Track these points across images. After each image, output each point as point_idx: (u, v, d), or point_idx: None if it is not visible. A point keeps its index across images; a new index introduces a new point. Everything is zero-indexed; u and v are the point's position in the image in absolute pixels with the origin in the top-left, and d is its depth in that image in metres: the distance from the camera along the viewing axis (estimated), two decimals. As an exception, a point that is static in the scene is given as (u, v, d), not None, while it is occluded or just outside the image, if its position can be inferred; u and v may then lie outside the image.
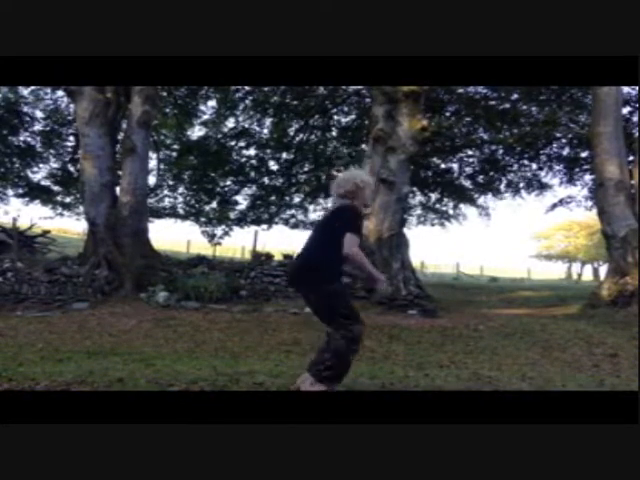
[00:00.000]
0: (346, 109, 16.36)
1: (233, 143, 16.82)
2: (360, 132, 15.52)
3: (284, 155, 17.46)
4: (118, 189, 10.20)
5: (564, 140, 14.99)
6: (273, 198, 18.15)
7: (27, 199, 16.90)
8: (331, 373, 3.08)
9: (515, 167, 16.80)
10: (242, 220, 17.80)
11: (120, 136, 10.89)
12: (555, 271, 43.72)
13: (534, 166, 16.58)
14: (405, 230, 10.69)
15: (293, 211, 19.16)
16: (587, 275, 40.78)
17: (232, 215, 17.87)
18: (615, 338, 6.41)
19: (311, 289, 3.23)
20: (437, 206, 19.33)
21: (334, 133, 17.30)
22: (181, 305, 8.22)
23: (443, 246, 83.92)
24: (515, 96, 13.71)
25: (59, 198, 17.33)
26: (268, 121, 16.73)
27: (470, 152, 16.44)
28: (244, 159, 17.34)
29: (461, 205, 19.13)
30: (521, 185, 17.23)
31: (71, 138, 15.77)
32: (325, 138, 17.34)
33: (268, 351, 5.47)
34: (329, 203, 19.26)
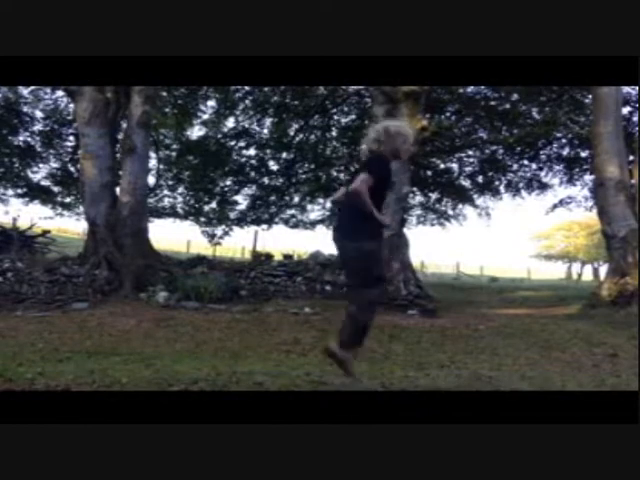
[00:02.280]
0: (346, 109, 16.35)
1: (233, 143, 16.81)
2: (360, 132, 15.51)
3: (284, 155, 17.44)
4: (118, 189, 10.20)
5: (564, 140, 14.99)
6: (273, 198, 18.13)
7: (27, 199, 16.90)
8: (348, 338, 3.16)
9: (515, 167, 16.80)
10: (242, 220, 17.78)
11: (120, 136, 10.88)
12: (555, 271, 43.77)
13: (534, 166, 16.58)
14: (405, 230, 10.69)
15: (293, 211, 19.15)
16: (587, 275, 40.78)
17: (232, 215, 17.86)
18: (615, 338, 6.41)
19: (338, 246, 3.26)
20: (437, 206, 19.32)
21: (334, 133, 17.29)
22: (181, 305, 8.22)
23: (443, 246, 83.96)
24: (515, 96, 13.71)
25: (59, 198, 17.30)
26: (268, 121, 16.72)
27: (470, 152, 16.44)
28: (244, 159, 17.33)
29: (461, 205, 19.13)
30: (521, 185, 17.22)
31: (71, 138, 15.76)
32: (325, 138, 17.32)
33: (268, 351, 5.47)
34: (328, 203, 19.28)
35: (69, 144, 16.16)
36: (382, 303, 3.34)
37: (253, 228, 17.51)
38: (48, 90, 14.86)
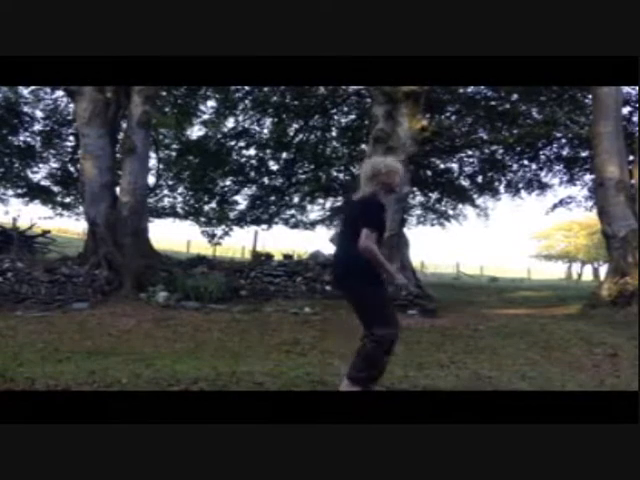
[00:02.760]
0: (346, 109, 16.34)
1: (233, 143, 16.81)
2: (360, 132, 15.52)
3: (284, 155, 17.44)
4: (118, 189, 10.20)
5: (564, 140, 14.98)
6: (273, 198, 18.14)
7: (27, 199, 16.89)
8: (363, 375, 3.12)
9: (515, 167, 16.80)
10: (242, 220, 17.78)
11: (120, 136, 10.88)
12: (555, 271, 43.76)
13: (534, 166, 16.58)
14: (405, 230, 10.69)
15: (293, 211, 19.15)
16: (587, 275, 40.77)
17: (232, 215, 17.85)
18: (615, 338, 6.41)
19: (346, 289, 3.26)
20: (437, 206, 19.32)
21: (334, 133, 17.28)
22: (181, 305, 8.22)
23: (443, 246, 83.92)
24: (515, 96, 13.70)
25: (59, 198, 17.30)
26: (268, 121, 16.72)
27: (470, 152, 16.43)
28: (244, 159, 17.33)
29: (460, 205, 19.14)
30: (521, 185, 17.22)
31: (71, 138, 15.75)
32: (325, 138, 17.32)
33: (268, 351, 5.47)
34: (328, 203, 19.31)
35: (69, 144, 16.15)
36: (393, 343, 3.26)
37: (253, 228, 17.50)
38: (48, 90, 14.85)
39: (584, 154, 14.95)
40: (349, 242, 3.10)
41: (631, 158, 10.71)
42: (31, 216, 17.66)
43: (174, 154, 17.34)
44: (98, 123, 9.97)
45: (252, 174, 17.50)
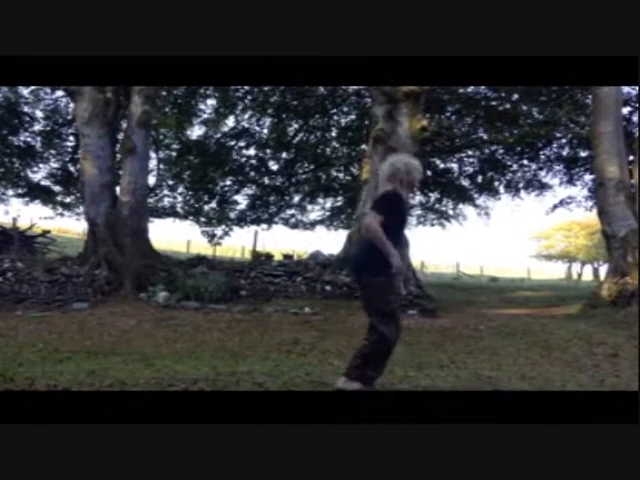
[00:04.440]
0: (346, 109, 16.35)
1: (233, 143, 16.81)
2: (360, 132, 15.52)
3: (284, 155, 17.45)
4: (118, 189, 10.20)
5: (564, 140, 14.98)
6: (273, 198, 18.14)
7: (27, 199, 16.90)
8: (359, 372, 3.14)
9: (515, 167, 16.80)
10: (242, 220, 17.79)
11: (120, 136, 10.88)
12: (555, 271, 43.74)
13: (534, 166, 16.58)
14: (405, 230, 10.67)
15: (293, 211, 19.16)
16: (587, 275, 40.77)
17: (232, 215, 17.86)
18: (615, 338, 6.41)
19: (358, 280, 3.30)
20: (437, 206, 19.32)
21: (334, 133, 17.29)
22: (181, 305, 8.22)
23: (443, 246, 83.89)
24: (515, 96, 13.70)
25: (59, 198, 17.31)
26: (268, 121, 16.72)
27: (470, 152, 16.43)
28: (244, 159, 17.33)
29: (461, 205, 19.14)
30: (521, 185, 17.23)
31: (71, 138, 15.76)
32: (325, 138, 17.33)
33: (268, 351, 5.47)
34: (328, 203, 19.33)
35: (69, 144, 16.16)
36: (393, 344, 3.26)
37: (253, 228, 17.51)
38: (48, 90, 14.85)
39: (584, 154, 14.95)
40: (361, 240, 3.18)
41: (631, 158, 10.70)
42: (31, 216, 17.64)
43: (174, 154, 17.34)
44: (98, 123, 9.98)
45: (252, 174, 17.51)
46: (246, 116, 16.25)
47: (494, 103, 14.21)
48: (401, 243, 3.31)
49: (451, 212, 19.60)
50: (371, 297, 3.18)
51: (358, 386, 3.12)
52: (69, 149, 16.22)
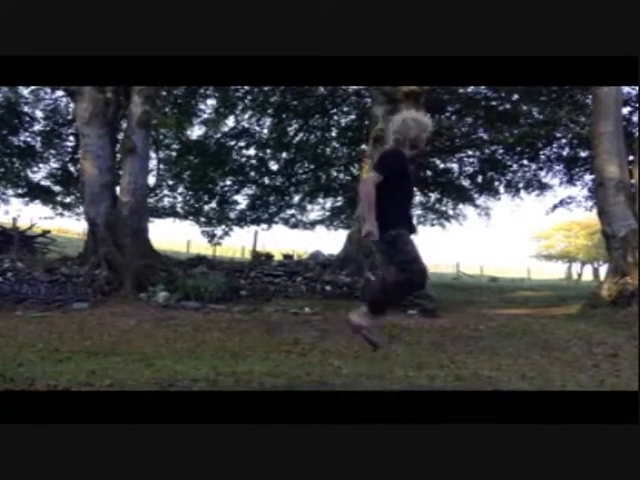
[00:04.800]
0: (346, 109, 16.35)
1: (233, 143, 16.81)
2: (360, 132, 15.52)
3: (284, 155, 17.45)
4: (118, 189, 10.20)
5: (564, 140, 14.98)
6: (273, 198, 18.14)
7: (27, 199, 16.90)
8: (377, 307, 3.09)
9: (515, 167, 16.80)
10: (242, 220, 17.79)
11: (120, 136, 10.88)
12: (555, 271, 43.72)
13: (534, 166, 16.57)
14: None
15: (293, 211, 19.16)
16: (587, 275, 40.77)
17: (232, 215, 17.86)
18: (615, 338, 6.41)
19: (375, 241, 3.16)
20: (437, 206, 19.32)
21: (334, 133, 17.29)
22: (181, 305, 8.22)
23: (443, 246, 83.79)
24: (515, 96, 13.70)
25: (59, 198, 17.31)
26: (268, 121, 16.72)
27: (470, 152, 16.43)
28: (244, 159, 17.33)
29: (461, 205, 19.14)
30: (521, 185, 17.23)
31: (71, 138, 15.76)
32: (325, 138, 17.33)
33: (268, 351, 5.47)
34: (328, 203, 19.32)
35: (69, 144, 16.17)
36: (416, 287, 3.21)
37: (253, 228, 17.51)
38: (48, 90, 14.85)
39: (584, 154, 14.95)
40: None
41: (631, 158, 10.70)
42: (31, 216, 17.66)
43: (174, 154, 17.34)
44: (98, 123, 9.98)
45: (252, 174, 17.51)
46: (246, 116, 16.26)
47: (494, 103, 14.21)
48: (410, 200, 3.29)
49: (451, 212, 19.61)
50: (382, 250, 3.09)
51: (367, 319, 3.09)
52: (69, 149, 16.23)
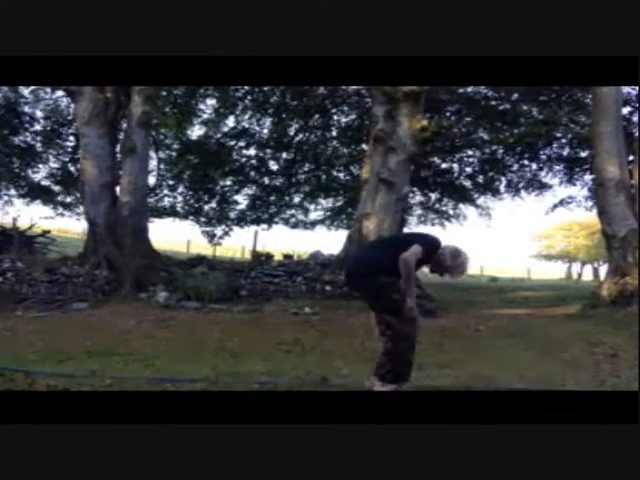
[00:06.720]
0: (346, 109, 16.34)
1: (233, 143, 16.81)
2: (360, 132, 15.52)
3: (284, 155, 17.44)
4: (118, 189, 10.19)
5: (564, 140, 14.98)
6: (273, 198, 18.14)
7: (27, 199, 16.91)
8: (391, 374, 3.24)
9: (515, 167, 16.80)
10: (242, 220, 17.79)
11: (120, 136, 10.88)
12: (555, 271, 43.69)
13: (534, 166, 16.57)
14: (405, 230, 10.68)
15: (293, 211, 19.16)
16: (587, 275, 40.75)
17: (232, 215, 17.86)
18: (615, 338, 6.40)
19: (366, 284, 3.36)
20: (437, 206, 19.32)
21: (334, 133, 17.28)
22: (181, 305, 8.21)
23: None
24: (515, 96, 13.70)
25: (59, 198, 17.31)
26: (268, 121, 16.72)
27: (470, 152, 16.43)
28: (244, 159, 17.33)
29: (461, 205, 19.14)
30: (521, 185, 17.22)
31: (71, 138, 15.76)
32: (325, 138, 17.32)
33: (268, 351, 5.47)
34: (328, 203, 19.33)
35: (69, 144, 16.16)
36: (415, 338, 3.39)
37: (253, 228, 17.51)
38: (48, 90, 14.85)
39: (584, 154, 14.94)
40: (388, 248, 3.33)
41: (631, 158, 10.70)
42: (31, 216, 17.67)
43: (174, 154, 17.34)
44: (98, 123, 9.97)
45: (252, 174, 17.51)
46: (246, 116, 16.24)
47: (494, 103, 14.20)
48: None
49: (451, 212, 19.61)
50: (386, 297, 3.23)
51: (392, 388, 3.21)
52: (69, 149, 16.22)
